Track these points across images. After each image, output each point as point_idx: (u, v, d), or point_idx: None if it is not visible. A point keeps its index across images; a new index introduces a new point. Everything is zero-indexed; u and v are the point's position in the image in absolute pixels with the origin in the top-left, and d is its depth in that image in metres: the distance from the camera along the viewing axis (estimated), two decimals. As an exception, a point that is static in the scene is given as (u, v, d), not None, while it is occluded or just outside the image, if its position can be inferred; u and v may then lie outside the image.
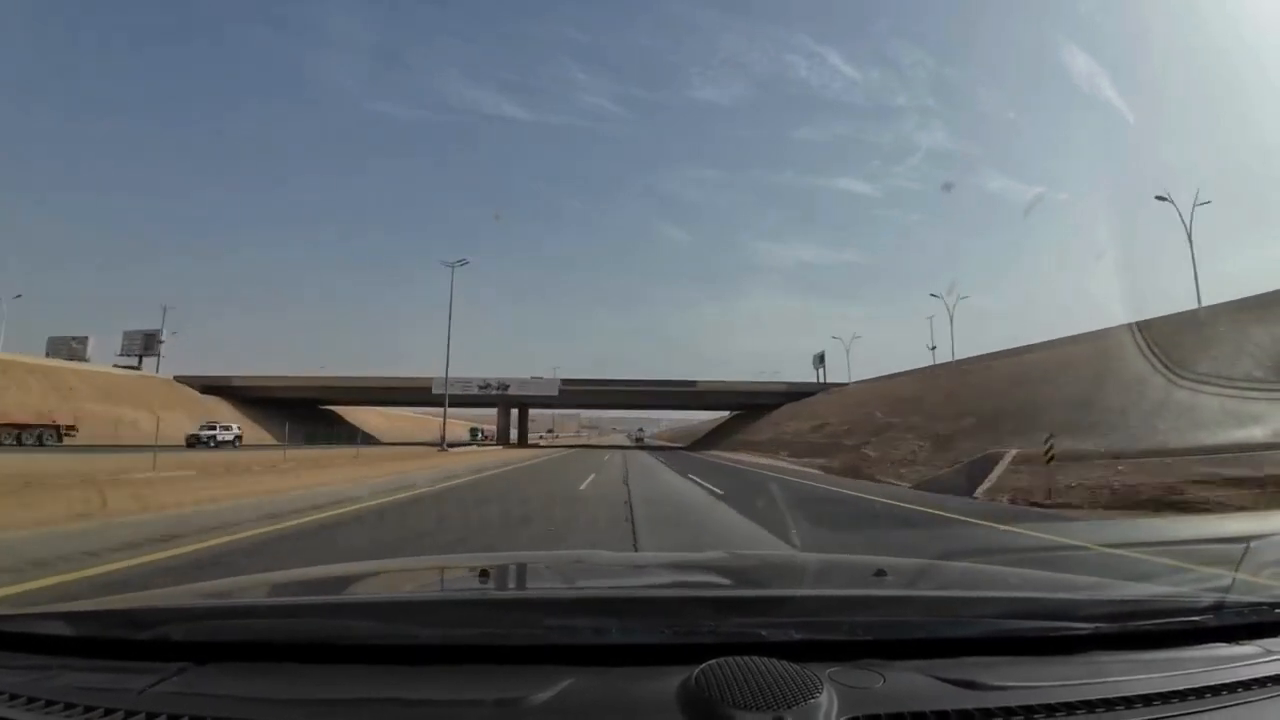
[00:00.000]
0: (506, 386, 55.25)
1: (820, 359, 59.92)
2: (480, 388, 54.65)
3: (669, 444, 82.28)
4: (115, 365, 50.88)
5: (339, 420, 60.52)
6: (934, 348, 51.03)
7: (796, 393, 52.08)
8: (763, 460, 28.92)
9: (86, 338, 51.53)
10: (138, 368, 52.17)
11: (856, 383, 50.95)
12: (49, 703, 0.80)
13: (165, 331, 53.54)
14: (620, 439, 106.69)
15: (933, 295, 46.69)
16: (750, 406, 55.25)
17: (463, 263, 38.35)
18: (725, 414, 75.89)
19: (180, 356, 59.29)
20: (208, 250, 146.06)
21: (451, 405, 54.73)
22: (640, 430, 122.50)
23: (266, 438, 44.28)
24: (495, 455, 31.21)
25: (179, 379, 51.18)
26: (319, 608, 1.23)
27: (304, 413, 53.40)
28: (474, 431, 72.22)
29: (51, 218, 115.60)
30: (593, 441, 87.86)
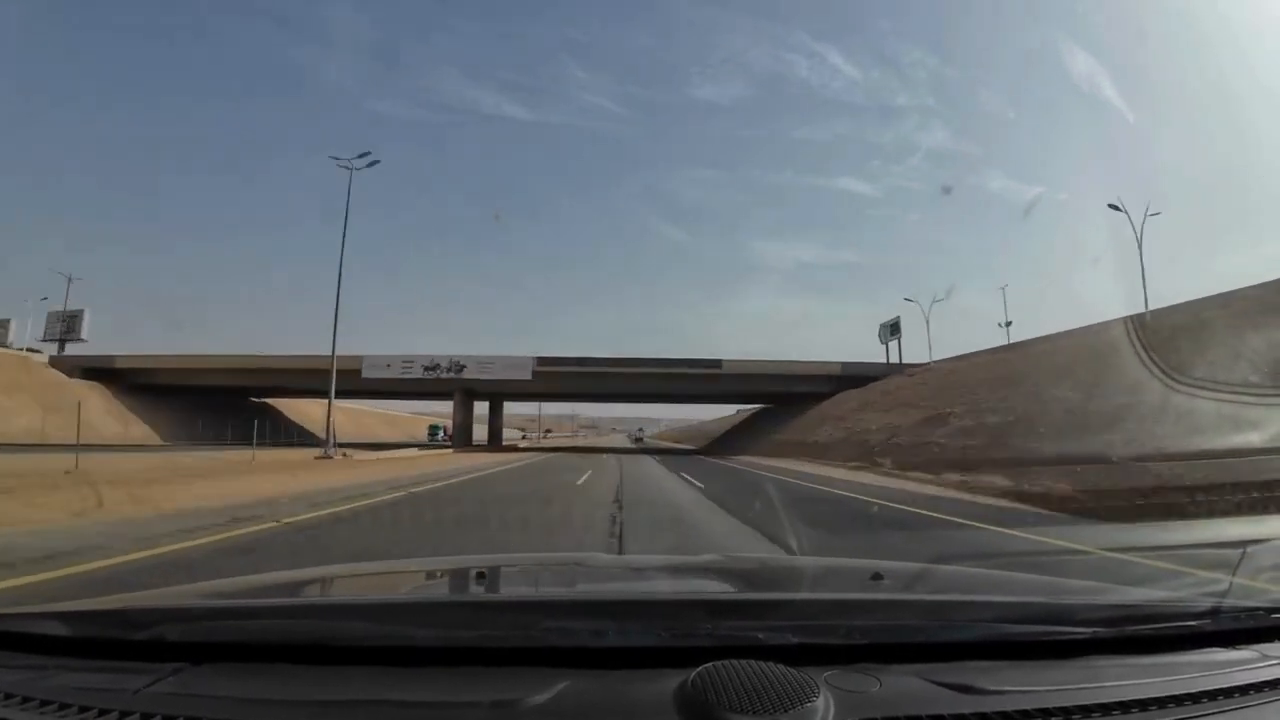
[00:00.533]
0: (461, 368, 40.97)
1: (893, 329, 42.68)
2: (426, 369, 40.83)
3: (675, 445, 67.93)
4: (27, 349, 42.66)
5: (276, 415, 47.84)
6: (1009, 324, 39.27)
7: (856, 376, 38.47)
8: (870, 479, 16.00)
9: (9, 320, 44.36)
10: (61, 352, 43.58)
11: (952, 359, 35.58)
12: (44, 702, 0.80)
13: (67, 306, 43.52)
14: (621, 440, 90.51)
15: (1112, 206, 29.93)
16: (787, 397, 41.64)
17: (371, 162, 25.57)
18: (735, 410, 63.79)
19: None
20: (208, 248, 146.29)
21: (391, 394, 44.27)
22: (640, 430, 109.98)
23: (154, 438, 36.48)
24: (411, 466, 19.39)
25: (56, 360, 41.86)
26: (315, 609, 1.24)
27: (228, 405, 42.60)
28: (434, 429, 58.47)
29: (52, 216, 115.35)
30: (584, 443, 70.78)
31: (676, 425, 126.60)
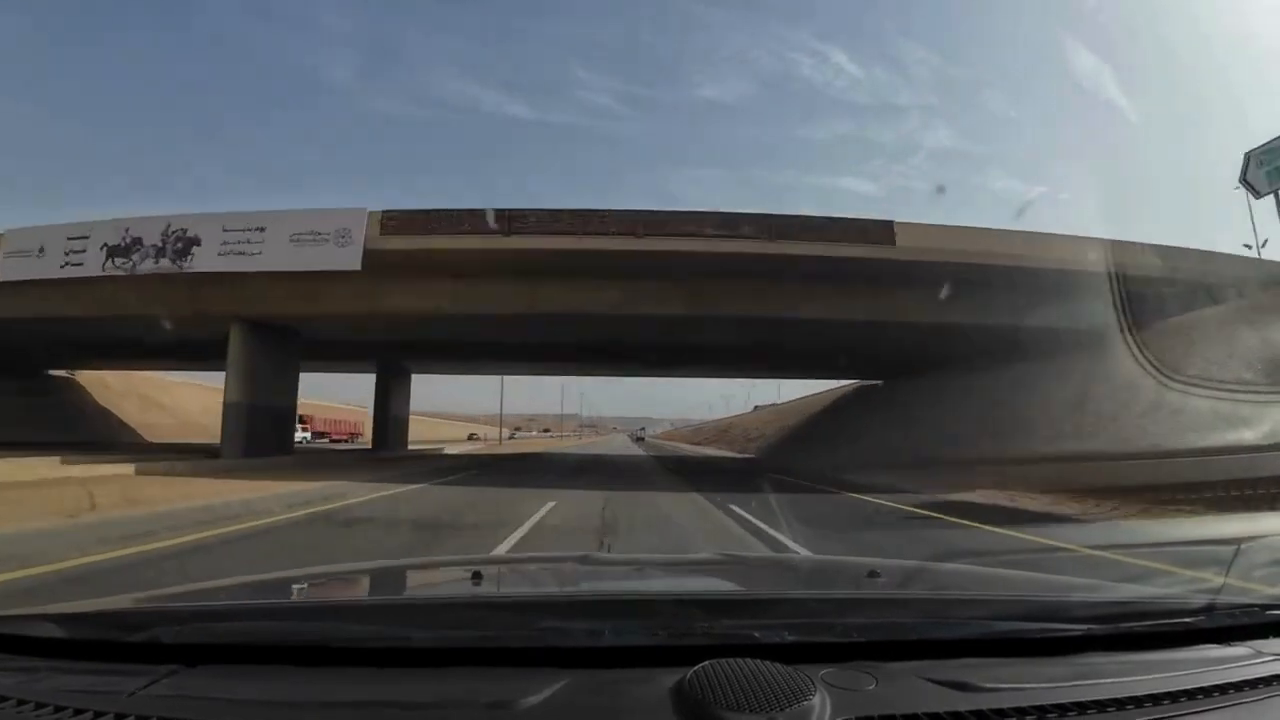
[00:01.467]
0: (188, 246, 14.92)
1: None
2: (113, 252, 15.12)
3: (694, 446, 45.27)
4: None
5: (79, 397, 30.08)
6: (1265, 243, 19.35)
7: (1198, 284, 14.33)
8: None
9: None
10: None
11: None
12: (38, 705, 0.80)
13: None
14: (622, 442, 62.75)
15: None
16: (1009, 337, 15.41)
17: None
18: (754, 408, 45.89)
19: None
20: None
21: (88, 345, 20.94)
22: (641, 430, 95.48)
23: None
24: None
25: None
26: (311, 609, 1.24)
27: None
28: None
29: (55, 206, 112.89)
30: (569, 447, 45.85)
31: (680, 426, 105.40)
